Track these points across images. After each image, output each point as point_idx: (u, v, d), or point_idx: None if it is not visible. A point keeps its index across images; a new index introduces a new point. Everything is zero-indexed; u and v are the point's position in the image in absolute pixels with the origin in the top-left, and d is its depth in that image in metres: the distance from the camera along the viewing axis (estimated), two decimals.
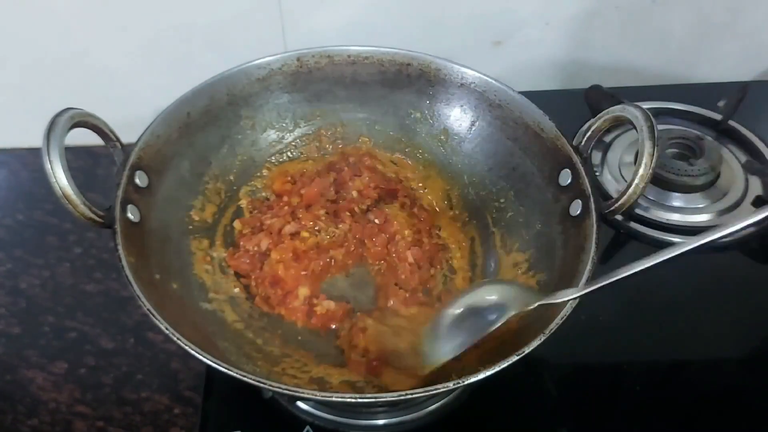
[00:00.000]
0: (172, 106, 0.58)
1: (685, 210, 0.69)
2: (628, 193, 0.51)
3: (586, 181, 0.54)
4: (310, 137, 0.68)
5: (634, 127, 0.50)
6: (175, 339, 0.43)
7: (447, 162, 0.67)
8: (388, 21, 0.74)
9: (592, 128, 0.55)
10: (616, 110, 0.53)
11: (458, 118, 0.65)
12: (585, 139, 0.55)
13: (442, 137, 0.66)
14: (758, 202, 0.70)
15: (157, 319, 0.44)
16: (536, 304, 0.47)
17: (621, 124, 0.54)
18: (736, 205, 0.70)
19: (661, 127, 0.75)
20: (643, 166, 0.50)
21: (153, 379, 0.60)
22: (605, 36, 0.80)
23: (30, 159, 0.79)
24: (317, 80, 0.65)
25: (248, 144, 0.65)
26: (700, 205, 0.70)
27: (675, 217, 0.68)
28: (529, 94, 0.60)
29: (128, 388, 0.59)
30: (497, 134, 0.63)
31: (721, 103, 0.77)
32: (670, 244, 0.65)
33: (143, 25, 0.71)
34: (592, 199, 0.52)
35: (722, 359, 0.60)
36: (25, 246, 0.70)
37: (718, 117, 0.77)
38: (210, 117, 0.61)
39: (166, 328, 0.44)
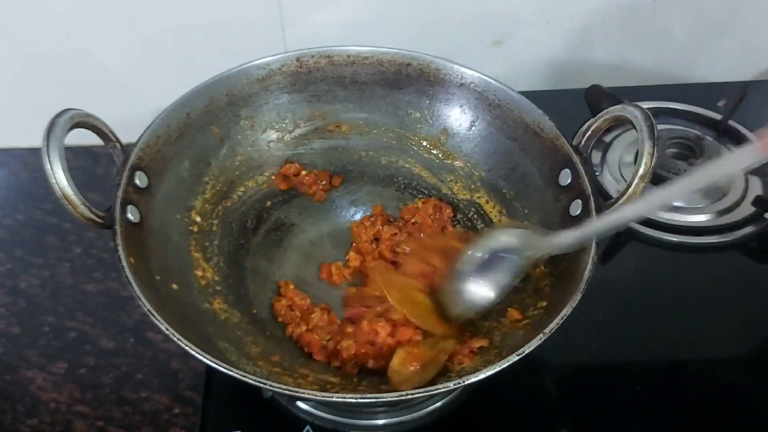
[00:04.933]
0: (171, 106, 0.58)
1: (685, 210, 0.69)
2: (628, 193, 0.51)
3: (586, 180, 0.54)
4: (310, 137, 0.68)
5: (634, 127, 0.50)
6: (175, 339, 0.43)
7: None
8: (388, 21, 0.74)
9: (592, 128, 0.55)
10: (615, 110, 0.53)
11: (458, 118, 0.65)
12: (585, 138, 0.55)
13: (441, 137, 0.66)
14: (758, 202, 0.70)
15: (157, 319, 0.44)
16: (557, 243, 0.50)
17: (621, 123, 0.54)
18: (736, 205, 0.70)
19: (661, 127, 0.75)
20: (642, 165, 0.50)
21: (153, 379, 0.60)
22: (605, 36, 0.80)
23: (30, 159, 0.79)
24: (317, 80, 0.65)
25: (248, 144, 0.65)
26: (700, 205, 0.70)
27: (675, 217, 0.68)
28: (529, 94, 0.60)
29: (128, 388, 0.59)
30: (497, 134, 0.63)
31: (721, 103, 0.77)
32: (670, 244, 0.67)
33: (143, 25, 0.71)
34: (591, 199, 0.52)
35: (722, 359, 0.60)
36: (25, 246, 0.70)
37: (718, 117, 0.77)
38: (210, 117, 0.61)
39: (167, 329, 0.44)
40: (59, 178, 0.46)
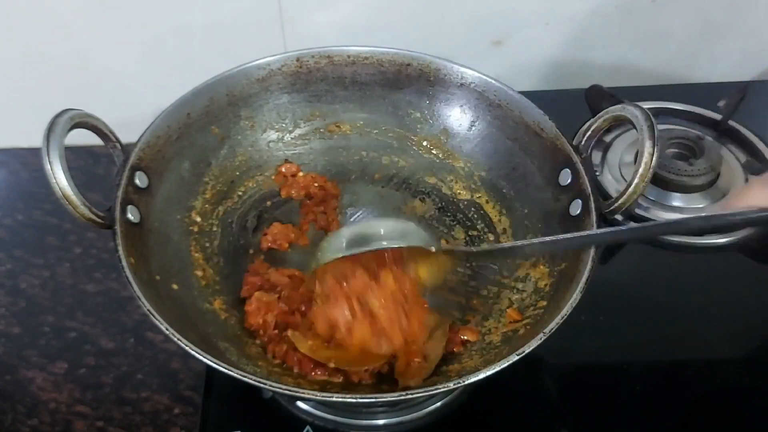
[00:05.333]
0: (172, 106, 0.58)
1: (685, 210, 0.69)
2: (627, 193, 0.51)
3: (586, 180, 0.54)
4: (310, 137, 0.68)
5: (634, 127, 0.50)
6: (175, 339, 0.43)
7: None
8: (388, 21, 0.74)
9: (592, 128, 0.55)
10: (615, 110, 0.53)
11: (458, 118, 0.65)
12: (585, 138, 0.55)
13: (441, 137, 0.66)
14: None
15: (157, 319, 0.44)
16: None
17: (621, 123, 0.54)
18: None
19: (661, 127, 0.75)
20: (642, 165, 0.50)
21: (153, 379, 0.60)
22: (605, 36, 0.80)
23: (30, 159, 0.79)
24: (317, 81, 0.65)
25: (248, 144, 0.65)
26: (700, 205, 0.70)
27: (675, 217, 0.68)
28: (529, 94, 0.60)
29: (128, 388, 0.59)
30: (497, 134, 0.63)
31: (721, 103, 0.77)
32: (670, 245, 0.67)
33: (143, 26, 0.71)
34: (592, 199, 0.52)
35: (722, 359, 0.60)
36: (25, 246, 0.70)
37: (718, 117, 0.77)
38: (210, 118, 0.61)
39: (167, 329, 0.44)
40: (59, 178, 0.46)
